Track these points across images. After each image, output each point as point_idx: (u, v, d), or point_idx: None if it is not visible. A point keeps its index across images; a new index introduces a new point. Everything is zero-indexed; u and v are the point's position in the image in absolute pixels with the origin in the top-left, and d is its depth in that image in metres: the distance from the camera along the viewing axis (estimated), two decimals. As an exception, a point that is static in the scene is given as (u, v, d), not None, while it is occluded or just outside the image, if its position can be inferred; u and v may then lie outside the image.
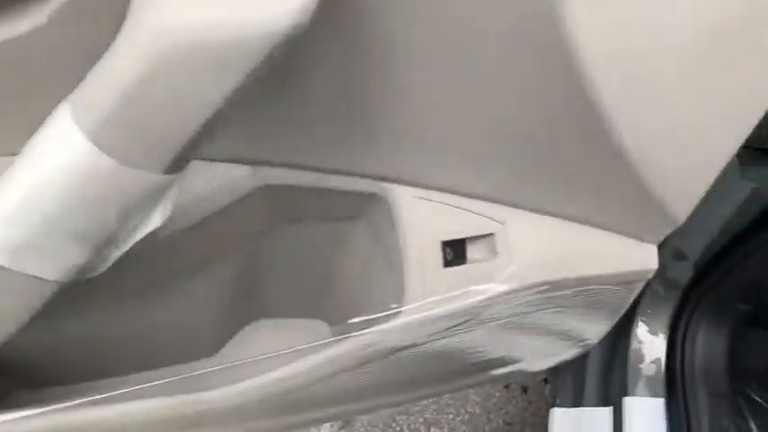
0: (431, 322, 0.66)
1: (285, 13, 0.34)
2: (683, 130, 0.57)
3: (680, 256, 1.11)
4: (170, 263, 0.64)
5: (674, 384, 1.12)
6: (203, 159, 0.57)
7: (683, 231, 1.05)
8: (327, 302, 0.87)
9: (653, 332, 1.17)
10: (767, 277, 0.99)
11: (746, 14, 0.49)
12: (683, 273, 1.12)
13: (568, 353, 1.01)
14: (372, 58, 0.49)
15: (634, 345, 1.17)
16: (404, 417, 1.57)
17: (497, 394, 1.61)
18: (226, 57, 0.36)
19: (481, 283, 0.65)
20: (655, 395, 1.12)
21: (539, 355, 0.97)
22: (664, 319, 1.17)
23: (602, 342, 1.23)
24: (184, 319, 0.78)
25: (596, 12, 0.45)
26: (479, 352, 0.84)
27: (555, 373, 1.32)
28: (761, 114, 0.57)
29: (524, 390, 1.62)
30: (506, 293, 0.66)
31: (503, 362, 0.91)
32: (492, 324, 0.77)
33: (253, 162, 0.60)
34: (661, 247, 1.00)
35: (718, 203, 0.99)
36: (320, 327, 0.86)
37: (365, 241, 0.73)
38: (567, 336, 0.92)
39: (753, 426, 1.26)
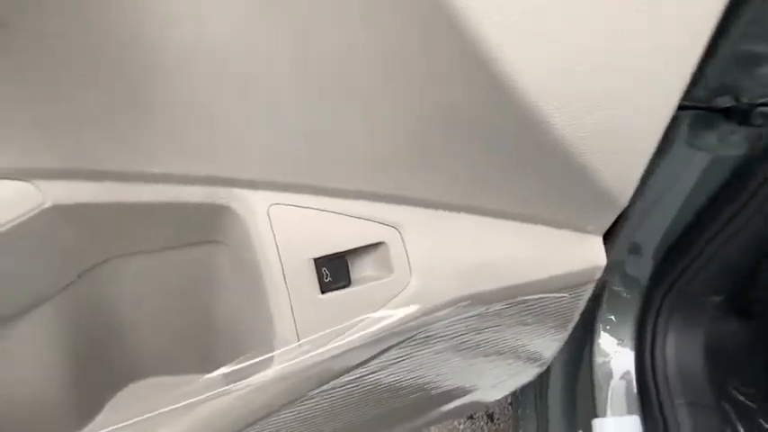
0: (316, 366, 0.49)
1: None
2: (612, 96, 0.46)
3: (637, 248, 0.97)
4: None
5: (648, 397, 0.97)
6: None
7: (637, 219, 0.92)
8: (214, 352, 0.69)
9: (619, 342, 1.03)
10: (741, 259, 0.86)
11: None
12: (644, 268, 0.99)
13: (525, 375, 0.85)
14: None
15: (598, 359, 1.02)
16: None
17: (461, 426, 1.44)
18: None
19: (372, 310, 0.48)
20: (628, 413, 0.97)
21: (493, 382, 0.81)
22: (629, 325, 1.03)
23: (563, 360, 1.09)
24: (15, 387, 0.60)
25: None
26: (424, 387, 0.68)
27: (517, 400, 1.16)
28: (690, 70, 0.49)
29: (490, 417, 1.46)
30: (408, 320, 0.49)
31: (453, 395, 0.75)
32: (423, 353, 0.61)
33: (32, 174, 0.43)
34: (613, 241, 0.86)
35: (672, 182, 0.86)
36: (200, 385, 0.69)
37: (230, 270, 0.56)
38: (517, 356, 0.77)
39: (740, 429, 1.12)
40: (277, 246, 0.47)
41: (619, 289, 1.03)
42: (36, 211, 0.44)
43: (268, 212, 0.47)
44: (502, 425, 1.44)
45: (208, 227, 0.51)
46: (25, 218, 0.44)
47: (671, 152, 0.81)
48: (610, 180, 0.50)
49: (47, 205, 0.44)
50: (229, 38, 0.37)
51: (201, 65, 0.38)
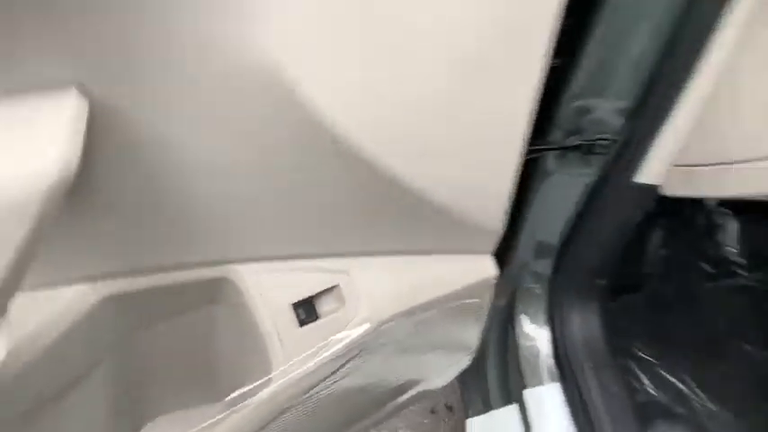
0: (301, 380, 0.70)
1: (43, 172, 0.38)
2: (461, 158, 0.65)
3: (540, 252, 1.22)
4: (28, 394, 0.64)
5: (563, 367, 1.22)
6: (33, 289, 0.59)
7: (536, 231, 1.18)
8: (216, 387, 0.88)
9: (538, 327, 1.27)
10: (606, 254, 1.12)
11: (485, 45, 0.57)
12: (546, 267, 1.24)
13: (461, 362, 1.08)
14: (158, 170, 0.53)
15: (524, 343, 1.27)
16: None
17: (426, 421, 1.65)
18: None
19: (336, 333, 0.70)
20: (550, 381, 1.22)
21: (437, 372, 1.04)
22: (543, 313, 1.27)
23: (495, 348, 1.33)
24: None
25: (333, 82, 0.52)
26: (382, 384, 0.89)
27: (464, 388, 1.39)
28: (525, 126, 0.65)
29: (450, 409, 1.68)
30: (363, 335, 0.72)
31: (405, 387, 0.97)
32: (377, 358, 0.82)
33: (88, 279, 0.63)
34: (512, 252, 1.11)
35: (557, 198, 1.12)
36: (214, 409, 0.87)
37: (228, 321, 0.76)
38: (450, 347, 1.00)
39: (645, 380, 1.39)
40: (265, 300, 0.68)
41: (531, 286, 1.28)
42: (91, 306, 0.64)
43: (256, 278, 0.68)
44: (460, 413, 1.67)
45: (210, 294, 0.72)
46: (83, 314, 0.63)
47: (551, 179, 1.07)
48: (480, 219, 0.74)
49: (98, 299, 0.64)
50: (226, 183, 0.58)
51: (215, 206, 0.59)
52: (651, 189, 0.95)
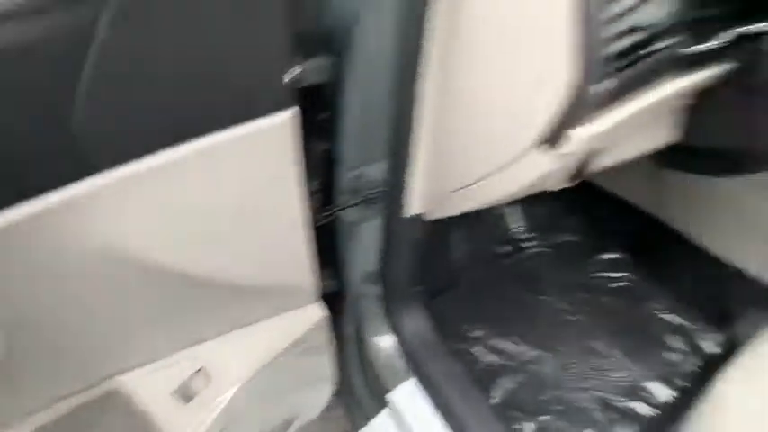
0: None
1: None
2: (266, 257, 0.92)
3: (369, 281, 1.52)
4: None
5: (413, 366, 1.51)
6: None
7: (362, 266, 1.47)
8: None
9: (385, 337, 1.55)
10: (413, 268, 1.45)
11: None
12: (377, 289, 1.53)
13: (323, 392, 1.34)
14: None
15: (377, 354, 1.54)
16: None
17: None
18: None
19: (211, 402, 0.93)
20: (406, 380, 1.50)
21: (306, 405, 1.28)
22: (385, 326, 1.56)
23: (358, 369, 1.60)
24: None
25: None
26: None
27: (348, 413, 1.64)
28: (302, 226, 0.92)
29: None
30: (232, 398, 0.95)
31: (286, 425, 1.20)
32: (251, 412, 1.05)
33: (18, 419, 0.80)
34: (344, 290, 1.40)
35: (367, 242, 1.42)
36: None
37: (127, 421, 0.95)
38: (309, 382, 1.25)
39: (478, 351, 1.73)
40: (150, 395, 0.89)
41: (370, 307, 1.56)
42: None
43: (138, 381, 0.89)
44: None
45: (108, 404, 0.91)
46: None
47: (354, 228, 1.37)
48: (296, 285, 1.01)
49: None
50: (100, 325, 0.79)
51: (101, 342, 0.80)
52: (418, 218, 1.30)
